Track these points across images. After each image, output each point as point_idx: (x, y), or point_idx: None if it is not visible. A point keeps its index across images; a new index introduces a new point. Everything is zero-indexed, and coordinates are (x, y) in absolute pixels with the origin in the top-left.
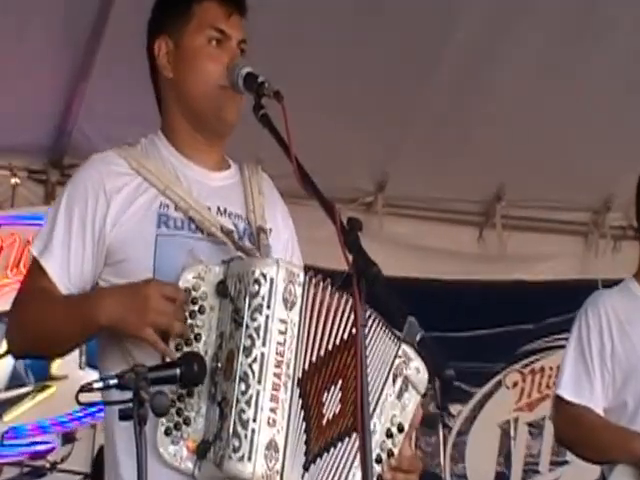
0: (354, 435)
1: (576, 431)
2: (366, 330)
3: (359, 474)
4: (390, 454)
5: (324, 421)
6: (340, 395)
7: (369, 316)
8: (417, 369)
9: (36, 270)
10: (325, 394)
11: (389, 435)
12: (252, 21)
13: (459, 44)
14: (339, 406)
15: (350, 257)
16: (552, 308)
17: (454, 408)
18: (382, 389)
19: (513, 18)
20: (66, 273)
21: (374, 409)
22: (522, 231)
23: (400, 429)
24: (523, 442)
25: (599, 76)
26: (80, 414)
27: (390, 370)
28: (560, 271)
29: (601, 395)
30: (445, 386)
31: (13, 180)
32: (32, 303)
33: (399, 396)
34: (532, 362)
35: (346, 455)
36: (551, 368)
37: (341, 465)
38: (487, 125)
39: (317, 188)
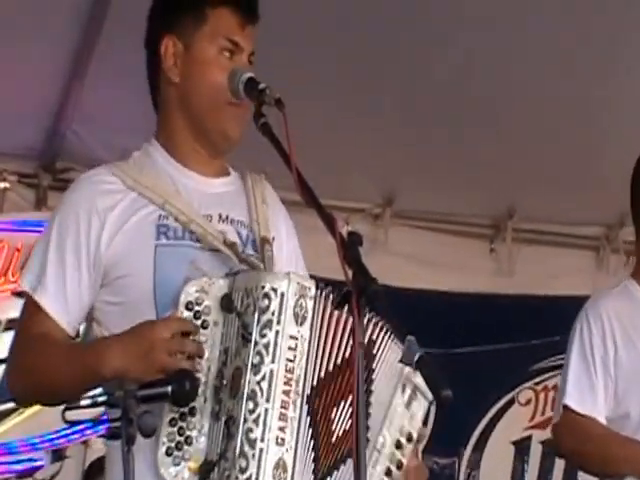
0: (367, 451)
1: (581, 443)
2: (376, 339)
3: None
4: (399, 466)
5: (333, 438)
6: (350, 411)
7: (378, 325)
8: None
9: (33, 308)
10: (334, 410)
11: (398, 446)
12: (262, 25)
13: (474, 61)
14: (349, 422)
15: (350, 272)
16: (564, 325)
17: (468, 425)
18: (392, 399)
19: (528, 39)
20: (64, 308)
21: (384, 420)
22: (533, 245)
23: (409, 439)
24: (536, 461)
25: (612, 94)
26: (69, 431)
27: (399, 379)
28: (572, 286)
29: (604, 404)
30: (443, 406)
31: (2, 184)
32: (32, 350)
33: (408, 405)
34: (545, 379)
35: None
36: None
37: None
38: (499, 140)
39: (317, 200)
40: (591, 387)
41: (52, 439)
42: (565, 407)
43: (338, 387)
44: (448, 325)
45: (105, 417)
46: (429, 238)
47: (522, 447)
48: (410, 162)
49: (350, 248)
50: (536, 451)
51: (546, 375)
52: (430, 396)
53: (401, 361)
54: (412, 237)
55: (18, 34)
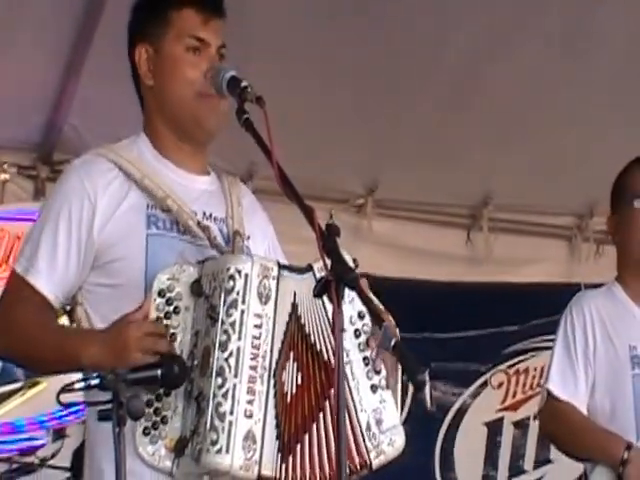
0: (327, 411)
1: (560, 428)
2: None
3: None
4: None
5: (288, 399)
6: (295, 366)
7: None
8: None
9: (21, 283)
10: (284, 373)
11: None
12: (247, 22)
13: (452, 54)
14: (299, 378)
15: (329, 262)
16: (537, 310)
17: (442, 406)
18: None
19: (505, 33)
20: (53, 284)
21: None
22: (509, 234)
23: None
24: (509, 441)
25: (585, 88)
26: (70, 410)
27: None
28: (545, 274)
29: (585, 392)
30: (418, 389)
31: (2, 176)
32: (21, 314)
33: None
34: (517, 363)
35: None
36: (535, 369)
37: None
38: (476, 132)
39: (297, 192)
40: (573, 375)
41: (60, 417)
42: (548, 393)
43: (286, 351)
44: (428, 311)
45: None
46: (409, 227)
47: (494, 428)
48: (390, 154)
49: (328, 238)
50: (508, 432)
51: (519, 358)
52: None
53: (379, 347)
54: (393, 226)
55: (16, 29)
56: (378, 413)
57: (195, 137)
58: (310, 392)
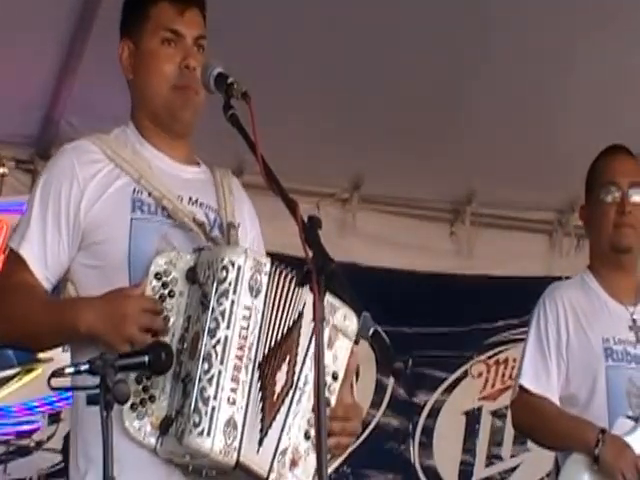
0: (291, 392)
1: (533, 419)
2: (284, 289)
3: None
4: (327, 404)
5: (274, 397)
6: (287, 368)
7: (284, 275)
8: (344, 316)
9: (14, 260)
10: (278, 373)
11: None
12: (237, 20)
13: (439, 54)
14: (285, 378)
15: (310, 253)
16: (518, 303)
17: (422, 395)
18: (310, 341)
19: (486, 25)
20: (43, 262)
21: (303, 362)
22: (491, 228)
23: (335, 377)
24: (487, 430)
25: (565, 87)
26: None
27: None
28: (526, 268)
29: (557, 384)
30: (395, 376)
31: (1, 170)
32: (14, 298)
33: (329, 346)
34: (497, 353)
35: (291, 413)
36: (514, 360)
37: (287, 423)
38: (460, 130)
39: (281, 186)
40: (545, 368)
41: (52, 402)
42: (520, 386)
43: (282, 351)
44: (411, 301)
45: None
46: (394, 221)
47: (473, 417)
48: (376, 150)
49: (310, 231)
50: (486, 420)
51: (498, 349)
52: (352, 336)
53: (357, 335)
54: (378, 220)
55: (14, 26)
56: (297, 456)
57: (172, 128)
58: (289, 379)
